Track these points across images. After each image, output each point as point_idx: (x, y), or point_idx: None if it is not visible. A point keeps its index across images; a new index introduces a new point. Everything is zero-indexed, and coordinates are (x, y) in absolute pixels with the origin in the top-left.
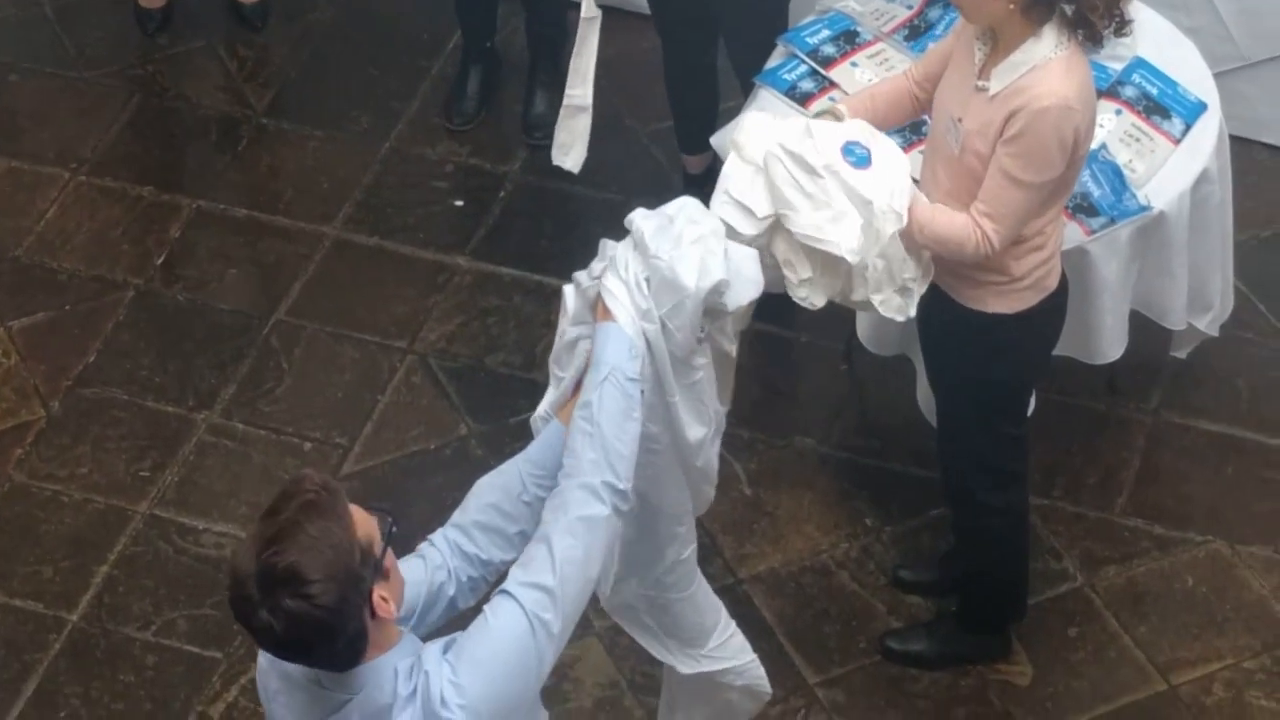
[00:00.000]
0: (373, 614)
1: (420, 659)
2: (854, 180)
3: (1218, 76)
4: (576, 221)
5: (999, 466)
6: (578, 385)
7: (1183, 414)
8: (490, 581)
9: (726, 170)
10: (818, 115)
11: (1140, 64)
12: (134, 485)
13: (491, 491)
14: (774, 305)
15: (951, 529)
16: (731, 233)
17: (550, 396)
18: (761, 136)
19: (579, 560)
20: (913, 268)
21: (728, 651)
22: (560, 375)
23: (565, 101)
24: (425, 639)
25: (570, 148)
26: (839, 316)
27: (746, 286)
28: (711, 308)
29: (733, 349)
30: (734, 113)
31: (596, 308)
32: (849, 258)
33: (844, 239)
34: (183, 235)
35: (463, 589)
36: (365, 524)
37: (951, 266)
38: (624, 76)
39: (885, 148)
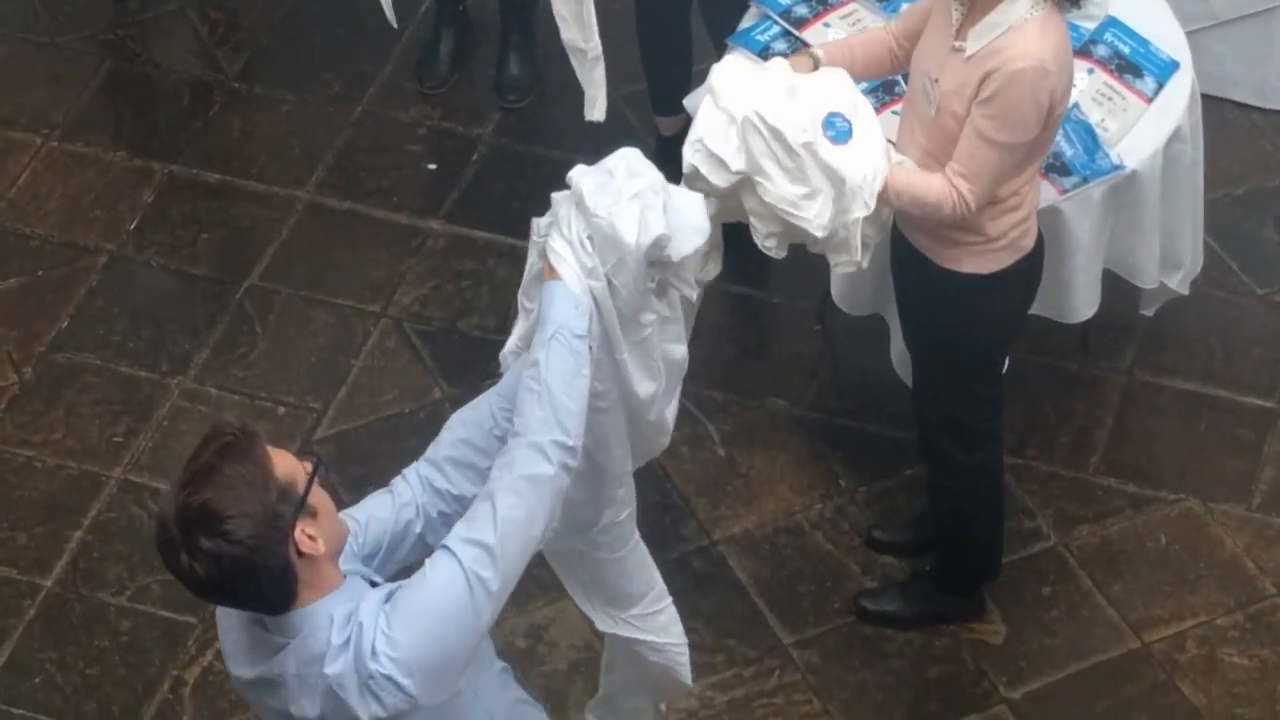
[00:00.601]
0: (299, 552)
1: (359, 608)
2: (831, 158)
3: (1189, 35)
4: (550, 184)
5: (973, 426)
6: None
7: (1156, 373)
8: (462, 516)
9: (701, 118)
10: (793, 53)
11: (1112, 23)
12: (108, 450)
13: (463, 427)
14: (746, 267)
15: (926, 489)
16: (701, 181)
17: (519, 329)
18: (739, 87)
19: (521, 520)
20: (873, 232)
21: (649, 625)
22: (529, 307)
23: (585, 56)
24: (396, 575)
25: (595, 100)
26: (812, 277)
27: (691, 236)
28: (656, 260)
29: (693, 294)
30: (707, 75)
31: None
32: (818, 234)
33: (816, 216)
34: (155, 200)
35: (433, 525)
36: (288, 465)
37: (928, 228)
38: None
39: (866, 121)
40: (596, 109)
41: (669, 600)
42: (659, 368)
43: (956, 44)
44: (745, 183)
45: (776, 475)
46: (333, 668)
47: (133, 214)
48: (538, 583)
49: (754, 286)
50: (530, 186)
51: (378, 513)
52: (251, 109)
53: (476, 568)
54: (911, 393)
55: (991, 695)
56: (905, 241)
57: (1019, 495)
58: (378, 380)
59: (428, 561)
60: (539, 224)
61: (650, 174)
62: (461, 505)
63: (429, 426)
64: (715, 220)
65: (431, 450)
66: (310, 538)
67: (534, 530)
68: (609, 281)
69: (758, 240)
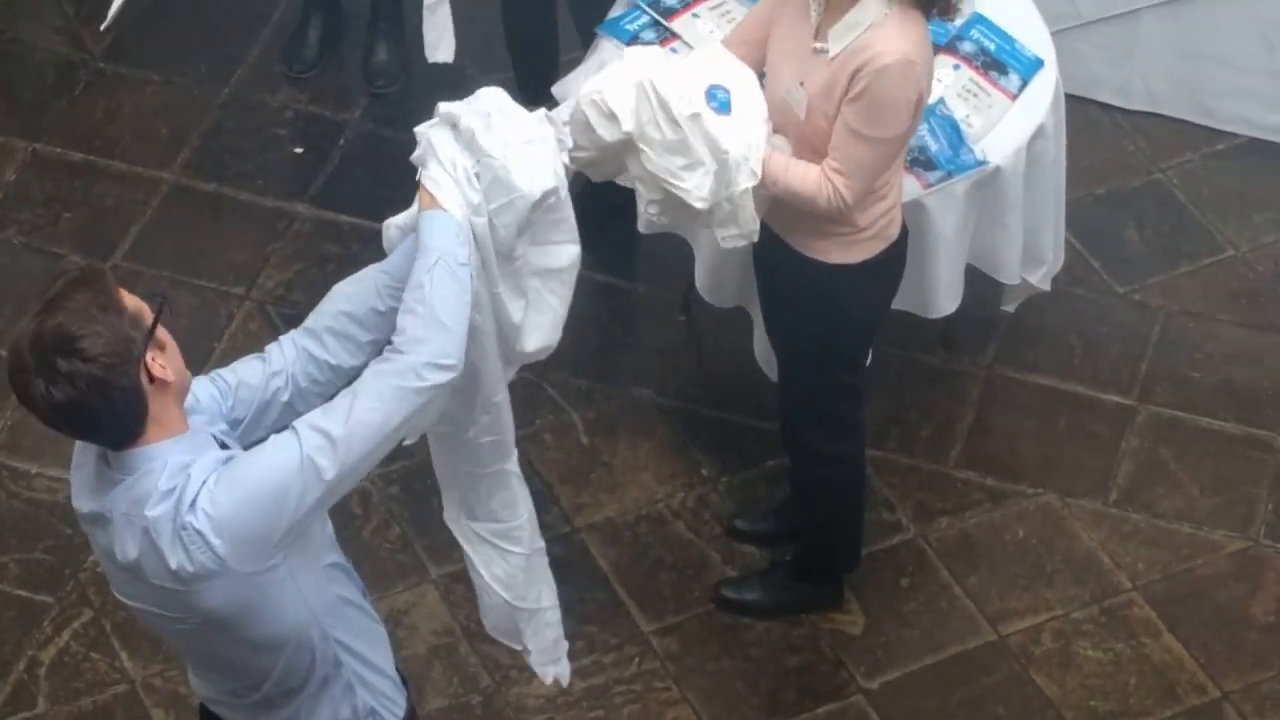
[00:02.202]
0: (150, 378)
1: (195, 462)
2: (714, 129)
3: (1054, 35)
4: (416, 170)
5: (836, 417)
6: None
7: (1016, 368)
8: (339, 386)
9: (606, 73)
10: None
11: (979, 19)
12: None
13: (346, 300)
14: (612, 256)
15: (788, 479)
16: (589, 132)
17: (411, 210)
18: (647, 59)
19: (375, 424)
20: (758, 209)
21: (479, 550)
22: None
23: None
24: (256, 443)
25: (439, 43)
26: (677, 267)
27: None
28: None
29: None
30: (575, 64)
31: (419, 195)
32: (698, 205)
33: (696, 188)
34: (17, 178)
35: (302, 394)
36: (134, 301)
37: (796, 220)
38: (466, 26)
39: (747, 94)
40: (441, 50)
41: (516, 552)
42: (529, 286)
43: (818, 45)
44: (630, 146)
45: (639, 464)
46: (153, 510)
47: None
48: (398, 567)
49: (619, 275)
50: (397, 172)
51: (248, 379)
52: (117, 89)
53: (314, 454)
54: (777, 383)
55: (849, 685)
56: (770, 232)
57: (879, 487)
58: None
59: (273, 436)
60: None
61: (534, 125)
62: (336, 375)
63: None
64: (591, 172)
65: (311, 320)
66: (161, 365)
67: (384, 435)
68: (490, 220)
69: (641, 206)
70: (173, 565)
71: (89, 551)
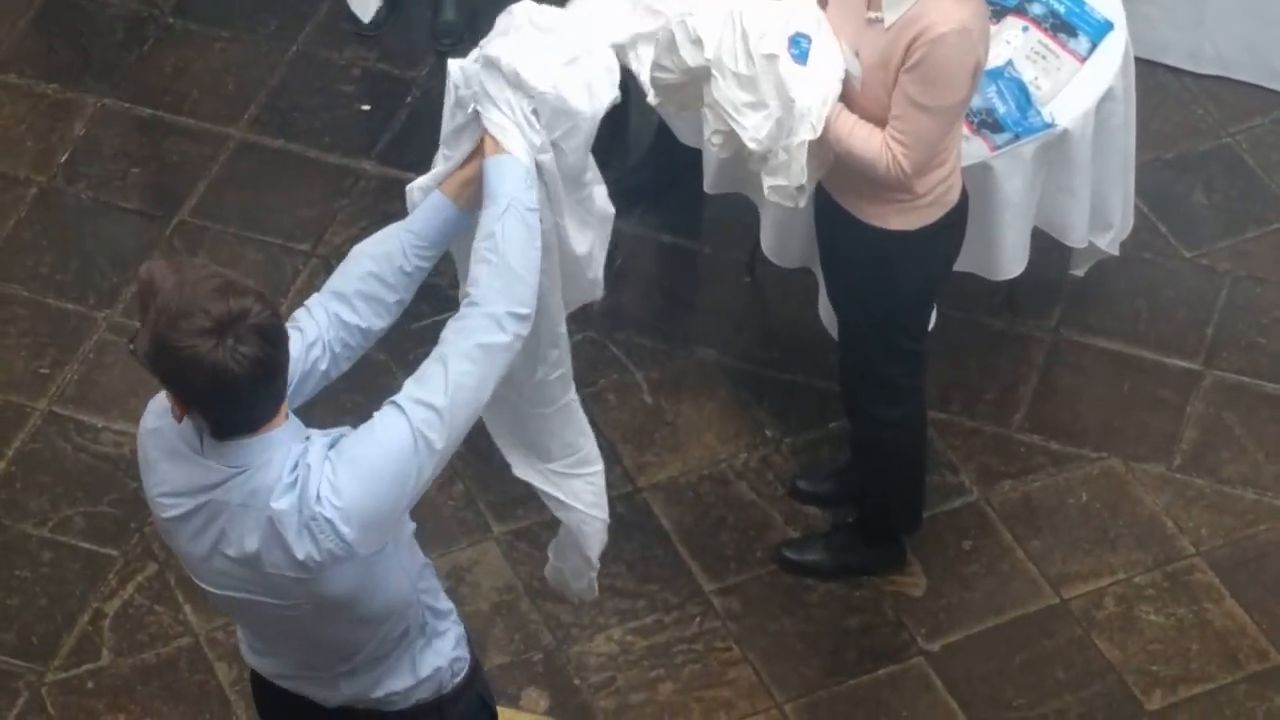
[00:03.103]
0: None
1: (306, 451)
2: (787, 74)
3: None
4: None
5: (897, 381)
6: (464, 162)
7: (1081, 332)
8: (366, 349)
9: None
10: None
11: None
12: (33, 382)
13: (372, 261)
14: (678, 217)
15: (849, 441)
16: (673, 54)
17: (435, 172)
18: None
19: (472, 386)
20: (812, 170)
21: (564, 485)
22: (449, 154)
23: None
24: (299, 413)
25: None
26: (743, 228)
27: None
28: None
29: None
30: None
31: (484, 141)
32: (751, 145)
33: (753, 128)
34: (87, 133)
35: (336, 360)
36: None
37: (856, 186)
38: None
39: (827, 49)
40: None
41: (596, 470)
42: (594, 222)
43: (871, 15)
44: (708, 73)
45: (703, 424)
46: (278, 503)
47: (64, 146)
48: (461, 524)
49: (685, 237)
50: None
51: (290, 350)
52: (186, 45)
53: (424, 428)
54: (838, 346)
55: (910, 647)
56: (830, 199)
57: (942, 450)
58: None
59: (376, 415)
60: (457, 70)
61: (565, 28)
62: (366, 338)
63: (355, 366)
64: (667, 99)
65: (338, 283)
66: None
67: (483, 396)
68: (556, 147)
69: (706, 131)
70: (300, 556)
71: None
